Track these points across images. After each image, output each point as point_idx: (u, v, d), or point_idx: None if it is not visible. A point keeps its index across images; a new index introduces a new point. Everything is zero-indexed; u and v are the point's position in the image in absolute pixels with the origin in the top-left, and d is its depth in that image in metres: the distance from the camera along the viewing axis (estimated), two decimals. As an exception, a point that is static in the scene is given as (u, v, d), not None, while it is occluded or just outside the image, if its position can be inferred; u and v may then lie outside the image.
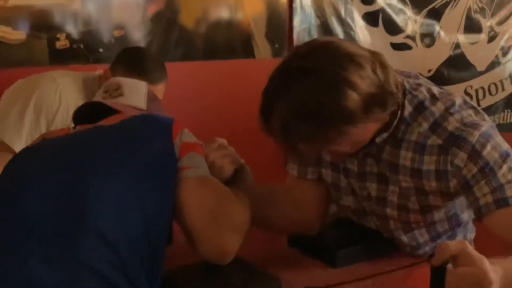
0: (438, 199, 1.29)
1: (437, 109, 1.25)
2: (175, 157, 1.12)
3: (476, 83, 3.00)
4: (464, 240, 0.92)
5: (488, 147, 1.20)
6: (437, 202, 1.30)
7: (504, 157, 1.20)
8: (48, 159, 1.13)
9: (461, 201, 1.36)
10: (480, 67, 3.00)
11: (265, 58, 2.35)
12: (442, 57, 2.86)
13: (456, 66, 2.92)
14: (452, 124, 1.22)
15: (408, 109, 1.26)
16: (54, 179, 1.08)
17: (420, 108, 1.26)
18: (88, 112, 1.30)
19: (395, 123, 1.24)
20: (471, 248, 0.90)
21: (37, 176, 1.10)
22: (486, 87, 3.04)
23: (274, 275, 1.19)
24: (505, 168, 1.19)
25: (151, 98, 1.39)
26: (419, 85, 1.29)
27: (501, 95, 3.08)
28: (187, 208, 1.12)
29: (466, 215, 1.43)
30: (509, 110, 3.12)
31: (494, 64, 3.04)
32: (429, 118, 1.25)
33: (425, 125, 1.25)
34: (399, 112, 1.24)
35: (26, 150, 1.22)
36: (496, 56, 3.05)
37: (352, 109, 1.11)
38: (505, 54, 3.08)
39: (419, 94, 1.26)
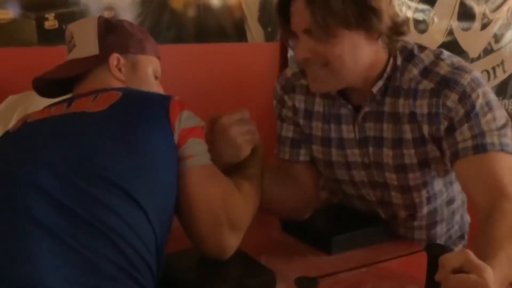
0: (434, 148, 1.31)
1: (426, 56, 1.30)
2: (173, 148, 1.07)
3: (468, 70, 2.99)
4: (466, 250, 0.91)
5: (478, 92, 1.23)
6: (435, 153, 1.31)
7: (491, 105, 1.23)
8: (36, 149, 1.04)
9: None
10: (473, 54, 2.99)
11: (258, 42, 2.32)
12: (435, 44, 2.84)
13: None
14: (443, 68, 1.26)
15: (399, 58, 1.30)
16: (49, 174, 0.98)
17: (409, 56, 1.31)
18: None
19: (388, 70, 1.29)
20: (474, 257, 0.89)
21: (29, 166, 1.01)
22: (478, 75, 3.03)
23: (269, 268, 1.17)
24: (489, 116, 1.22)
25: (109, 40, 1.26)
26: (407, 41, 1.34)
27: (494, 82, 3.08)
28: (189, 204, 1.08)
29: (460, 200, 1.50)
30: (501, 97, 3.12)
31: (486, 51, 3.03)
32: (419, 64, 1.29)
33: (415, 71, 1.29)
34: (391, 60, 1.30)
35: (8, 135, 1.13)
36: (489, 43, 3.04)
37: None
38: (497, 41, 3.07)
39: (408, 45, 1.32)
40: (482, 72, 3.03)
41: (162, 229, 1.03)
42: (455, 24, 2.88)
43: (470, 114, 1.22)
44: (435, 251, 1.01)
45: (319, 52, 1.24)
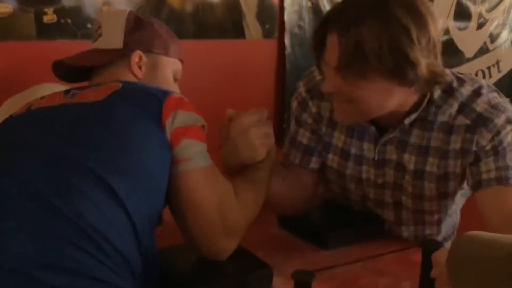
0: (457, 184, 1.32)
1: (466, 90, 1.28)
2: (163, 144, 1.04)
3: (464, 69, 2.99)
4: None
5: (508, 130, 1.24)
6: (455, 187, 1.33)
7: None
8: (27, 138, 1.04)
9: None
10: (469, 54, 3.00)
11: (256, 39, 2.32)
12: (431, 43, 2.85)
13: (445, 52, 2.84)
14: (480, 105, 1.25)
15: (436, 91, 1.27)
16: (31, 161, 0.99)
17: (449, 90, 1.28)
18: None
19: (424, 104, 1.26)
20: None
21: (23, 152, 1.02)
22: (473, 74, 3.04)
23: (266, 262, 1.19)
24: None
25: (135, 36, 1.25)
26: (445, 72, 1.29)
27: (489, 83, 3.08)
28: (182, 208, 1.07)
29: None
30: (496, 97, 3.13)
31: (482, 51, 3.04)
32: (459, 99, 1.27)
33: (455, 106, 1.27)
34: (429, 93, 1.27)
35: (11, 119, 1.13)
36: (485, 43, 3.05)
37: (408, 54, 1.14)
38: (493, 41, 3.08)
39: (446, 77, 1.27)
40: (477, 72, 3.05)
41: (143, 223, 1.00)
42: (451, 24, 2.89)
43: (497, 149, 1.23)
44: (430, 247, 1.03)
45: (344, 91, 1.22)
